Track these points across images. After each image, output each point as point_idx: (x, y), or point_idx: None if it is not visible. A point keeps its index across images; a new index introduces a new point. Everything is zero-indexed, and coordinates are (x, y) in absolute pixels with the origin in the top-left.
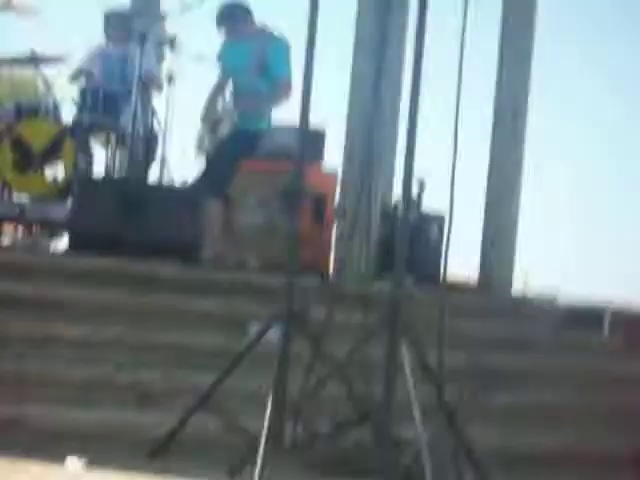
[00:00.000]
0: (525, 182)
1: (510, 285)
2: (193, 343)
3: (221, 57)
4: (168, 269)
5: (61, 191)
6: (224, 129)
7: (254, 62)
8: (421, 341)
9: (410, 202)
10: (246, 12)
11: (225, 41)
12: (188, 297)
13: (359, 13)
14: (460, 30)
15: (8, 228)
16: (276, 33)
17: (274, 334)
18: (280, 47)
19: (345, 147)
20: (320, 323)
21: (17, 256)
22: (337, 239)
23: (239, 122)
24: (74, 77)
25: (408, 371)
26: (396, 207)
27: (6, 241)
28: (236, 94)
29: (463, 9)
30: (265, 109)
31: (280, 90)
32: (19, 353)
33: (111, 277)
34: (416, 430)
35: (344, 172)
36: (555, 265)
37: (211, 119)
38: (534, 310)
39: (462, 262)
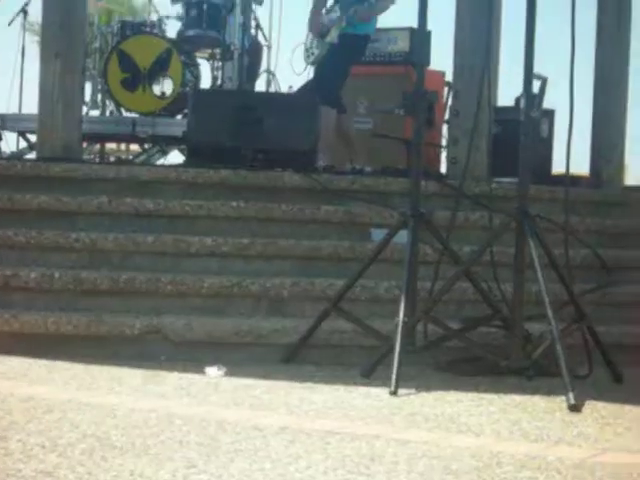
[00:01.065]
0: None
1: (620, 178)
2: (319, 249)
3: None
4: (286, 178)
5: (170, 106)
6: (331, 36)
7: None
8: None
9: (532, 98)
10: None
11: None
12: (310, 204)
13: None
14: None
15: (119, 147)
16: None
17: (401, 237)
18: None
19: (455, 47)
20: (445, 224)
21: (137, 170)
22: (450, 140)
23: (346, 27)
24: None
25: (538, 267)
26: (518, 102)
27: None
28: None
29: None
30: (371, 13)
31: None
32: (152, 266)
33: (232, 188)
34: (549, 324)
35: (455, 72)
36: None
37: (317, 26)
38: None
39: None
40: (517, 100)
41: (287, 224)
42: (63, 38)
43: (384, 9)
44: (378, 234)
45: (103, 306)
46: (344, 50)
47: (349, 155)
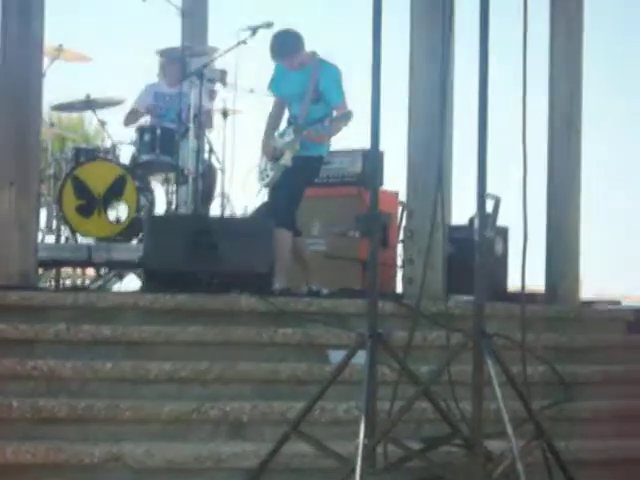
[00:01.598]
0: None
1: (576, 292)
2: (277, 372)
3: (275, 87)
4: (243, 301)
5: (125, 231)
6: (285, 159)
7: (309, 89)
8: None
9: (486, 218)
10: (299, 40)
11: (276, 71)
12: (267, 327)
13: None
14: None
15: (75, 272)
16: (326, 58)
17: (359, 358)
18: (333, 73)
19: (408, 167)
20: (402, 344)
21: (94, 297)
22: (405, 260)
23: (300, 150)
24: (129, 119)
25: (496, 385)
26: (471, 222)
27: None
28: (293, 123)
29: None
30: (324, 135)
31: (338, 116)
32: (110, 392)
33: (189, 312)
34: (509, 442)
35: (409, 193)
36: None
37: (270, 150)
38: (601, 315)
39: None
40: (471, 220)
41: (245, 347)
42: (17, 166)
43: (338, 130)
44: (336, 356)
45: (62, 434)
46: (298, 172)
47: (305, 277)
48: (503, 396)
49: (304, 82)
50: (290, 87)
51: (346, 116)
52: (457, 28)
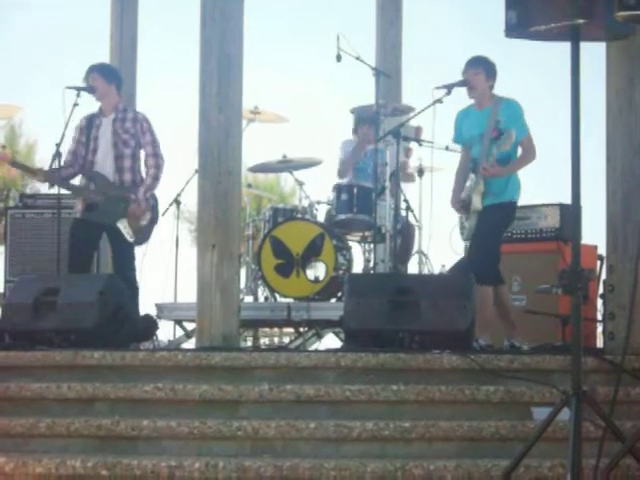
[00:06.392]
0: None
1: None
2: (480, 429)
3: (457, 135)
4: (445, 360)
5: (323, 290)
6: (474, 205)
7: (489, 128)
8: None
9: None
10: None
11: (456, 120)
12: (469, 385)
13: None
14: None
15: (273, 331)
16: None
17: (563, 414)
18: (514, 108)
19: (607, 220)
20: (605, 400)
21: (296, 356)
22: (606, 314)
23: (490, 198)
24: (343, 170)
25: None
26: None
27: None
28: (473, 166)
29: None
30: (512, 175)
31: (524, 151)
32: (314, 452)
33: (391, 371)
34: None
35: (608, 247)
36: None
37: (459, 202)
38: None
39: None
40: None
41: (447, 405)
42: (219, 229)
43: (523, 164)
44: (540, 413)
45: None
46: (491, 220)
47: (506, 330)
48: None
49: (483, 122)
50: (472, 129)
51: (530, 151)
52: None
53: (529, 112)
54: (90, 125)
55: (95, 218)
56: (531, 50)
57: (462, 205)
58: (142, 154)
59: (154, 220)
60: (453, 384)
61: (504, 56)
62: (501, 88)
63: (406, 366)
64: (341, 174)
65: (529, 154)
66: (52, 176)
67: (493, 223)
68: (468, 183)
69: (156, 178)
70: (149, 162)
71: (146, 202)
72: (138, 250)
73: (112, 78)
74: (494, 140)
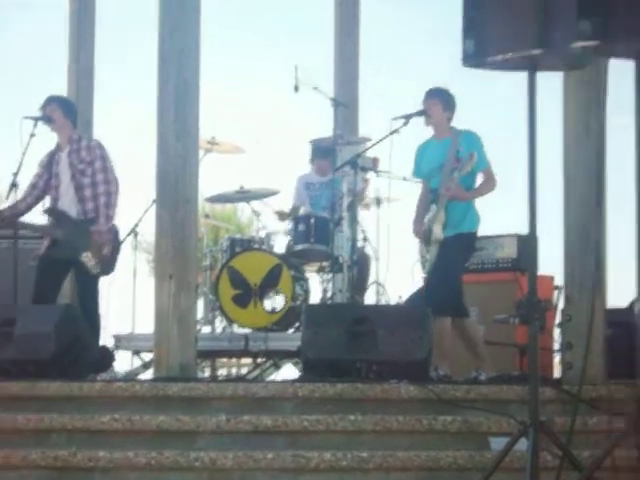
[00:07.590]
0: None
1: None
2: (438, 459)
3: (416, 170)
4: (402, 390)
5: (281, 321)
6: (435, 234)
7: (451, 159)
8: None
9: None
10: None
11: (416, 154)
12: (426, 415)
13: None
14: None
15: (230, 361)
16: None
17: (520, 444)
18: (472, 139)
19: (565, 252)
20: (562, 429)
21: (253, 387)
22: (564, 345)
23: (450, 229)
24: (292, 215)
25: None
26: (632, 305)
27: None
28: (434, 196)
29: None
30: (470, 207)
31: (485, 180)
32: None
33: (348, 401)
34: None
35: (566, 278)
36: None
37: (421, 232)
38: None
39: None
40: (631, 303)
41: (405, 435)
42: (176, 259)
43: (482, 193)
44: (497, 443)
45: None
46: (451, 250)
47: (476, 361)
48: None
49: (443, 153)
50: (430, 162)
51: (491, 181)
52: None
53: (487, 141)
54: (51, 162)
55: (58, 254)
56: (489, 80)
57: (424, 235)
58: None
59: (117, 249)
60: (411, 414)
61: (463, 86)
62: (460, 119)
63: (364, 396)
64: (294, 212)
65: (490, 182)
66: (10, 220)
67: (454, 253)
68: (428, 215)
69: (107, 205)
70: (99, 190)
71: (108, 231)
72: (104, 280)
73: (69, 113)
74: (455, 169)
